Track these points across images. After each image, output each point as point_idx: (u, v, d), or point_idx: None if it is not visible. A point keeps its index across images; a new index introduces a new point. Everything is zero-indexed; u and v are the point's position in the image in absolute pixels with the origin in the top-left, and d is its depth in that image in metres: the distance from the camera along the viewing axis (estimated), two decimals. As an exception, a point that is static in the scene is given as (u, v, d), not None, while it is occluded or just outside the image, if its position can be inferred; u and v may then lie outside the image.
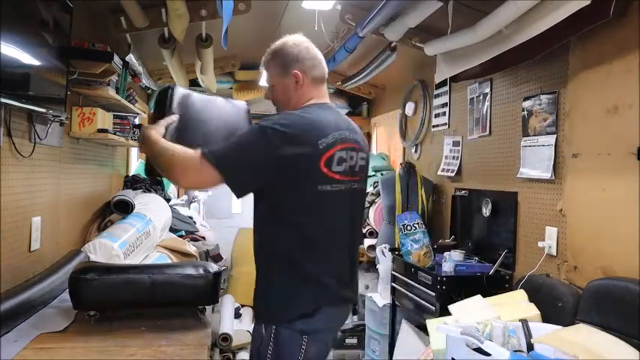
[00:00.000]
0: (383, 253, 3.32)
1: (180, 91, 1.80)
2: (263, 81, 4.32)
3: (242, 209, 5.94)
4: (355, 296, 1.76)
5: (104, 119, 2.78)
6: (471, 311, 2.04)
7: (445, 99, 3.47)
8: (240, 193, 1.57)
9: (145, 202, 3.39)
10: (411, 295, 2.81)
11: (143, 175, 3.94)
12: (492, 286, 2.43)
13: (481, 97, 2.98)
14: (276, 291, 1.58)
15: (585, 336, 1.65)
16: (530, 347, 1.69)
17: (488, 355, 1.59)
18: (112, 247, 2.63)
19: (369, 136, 5.34)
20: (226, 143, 1.57)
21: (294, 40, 1.71)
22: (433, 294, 2.54)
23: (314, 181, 1.56)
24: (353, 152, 1.66)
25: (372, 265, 3.84)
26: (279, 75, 1.70)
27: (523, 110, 2.52)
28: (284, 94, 1.72)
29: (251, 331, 1.74)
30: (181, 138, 1.69)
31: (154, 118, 1.76)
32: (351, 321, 4.03)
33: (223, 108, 1.94)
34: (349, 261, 1.71)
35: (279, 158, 1.50)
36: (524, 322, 1.77)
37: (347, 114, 5.26)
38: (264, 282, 1.63)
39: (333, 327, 1.73)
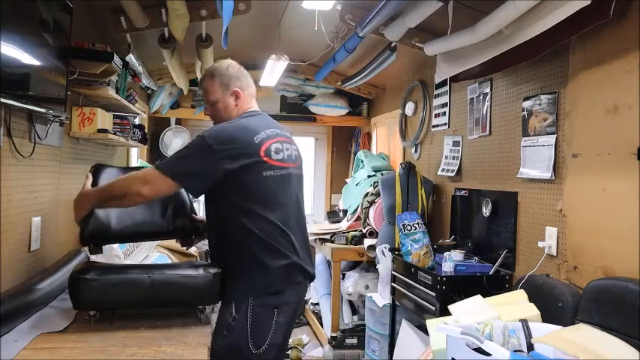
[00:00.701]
0: (383, 253, 3.32)
1: (106, 169, 2.13)
2: (263, 81, 4.32)
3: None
4: (313, 270, 1.99)
5: (104, 119, 2.77)
6: (471, 311, 2.04)
7: (445, 99, 3.47)
8: (195, 194, 1.87)
9: (145, 202, 3.38)
10: (411, 295, 2.81)
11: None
12: (492, 286, 2.43)
13: (481, 97, 2.98)
14: (249, 272, 1.82)
15: (585, 336, 1.65)
16: (530, 347, 1.69)
17: (489, 355, 1.59)
18: (112, 247, 2.62)
19: (369, 136, 5.35)
20: (175, 155, 1.83)
21: (229, 63, 2.00)
22: (433, 294, 2.54)
23: (259, 169, 1.81)
24: (287, 144, 1.93)
25: (372, 265, 3.84)
26: (221, 92, 1.96)
27: (523, 110, 2.52)
28: (225, 109, 1.97)
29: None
30: (106, 209, 1.97)
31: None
32: (351, 321, 4.03)
33: None
34: (303, 237, 1.97)
35: (223, 158, 1.75)
36: (524, 322, 1.77)
37: (347, 114, 5.31)
38: (235, 266, 1.85)
39: (298, 300, 1.96)
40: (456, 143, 3.28)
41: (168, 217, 2.14)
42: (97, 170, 2.08)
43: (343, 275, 4.08)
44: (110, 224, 1.99)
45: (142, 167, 2.45)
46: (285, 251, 1.84)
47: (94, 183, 2.01)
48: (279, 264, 1.82)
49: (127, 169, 2.43)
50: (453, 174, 3.25)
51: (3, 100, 1.65)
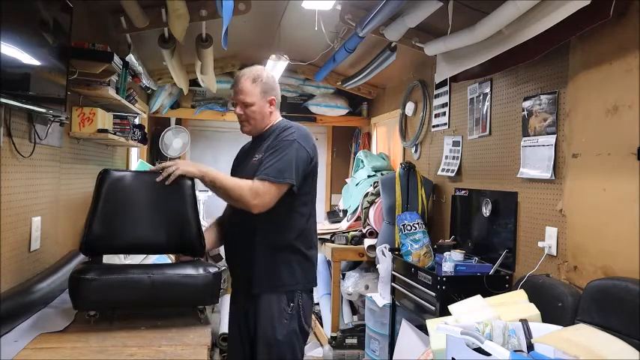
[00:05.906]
0: (383, 253, 3.32)
1: (113, 174, 2.01)
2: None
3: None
4: None
5: (104, 119, 2.77)
6: (471, 311, 2.04)
7: (445, 99, 3.47)
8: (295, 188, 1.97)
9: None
10: (411, 295, 2.81)
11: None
12: (492, 286, 2.43)
13: (481, 97, 2.98)
14: (299, 268, 2.01)
15: (585, 336, 1.65)
16: (530, 347, 1.69)
17: (489, 355, 1.59)
18: (112, 248, 2.62)
19: (369, 136, 5.35)
20: (277, 162, 1.92)
21: (269, 71, 2.15)
22: (433, 294, 2.54)
23: (315, 171, 2.05)
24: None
25: (372, 265, 3.84)
26: (260, 97, 2.05)
27: (523, 110, 2.52)
28: (259, 113, 2.07)
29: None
30: (108, 220, 1.91)
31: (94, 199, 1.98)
32: (351, 321, 4.03)
33: (156, 191, 2.05)
34: None
35: (312, 157, 2.00)
36: (524, 322, 1.77)
37: (347, 114, 5.31)
38: (285, 260, 2.00)
39: None
40: (456, 143, 3.28)
41: (174, 235, 2.00)
42: (103, 176, 1.98)
43: (343, 275, 4.08)
44: (112, 236, 1.93)
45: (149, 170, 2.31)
46: (316, 245, 2.12)
47: (100, 189, 1.92)
48: (315, 258, 2.08)
49: (139, 173, 2.32)
50: (453, 174, 3.25)
51: (3, 100, 1.65)
